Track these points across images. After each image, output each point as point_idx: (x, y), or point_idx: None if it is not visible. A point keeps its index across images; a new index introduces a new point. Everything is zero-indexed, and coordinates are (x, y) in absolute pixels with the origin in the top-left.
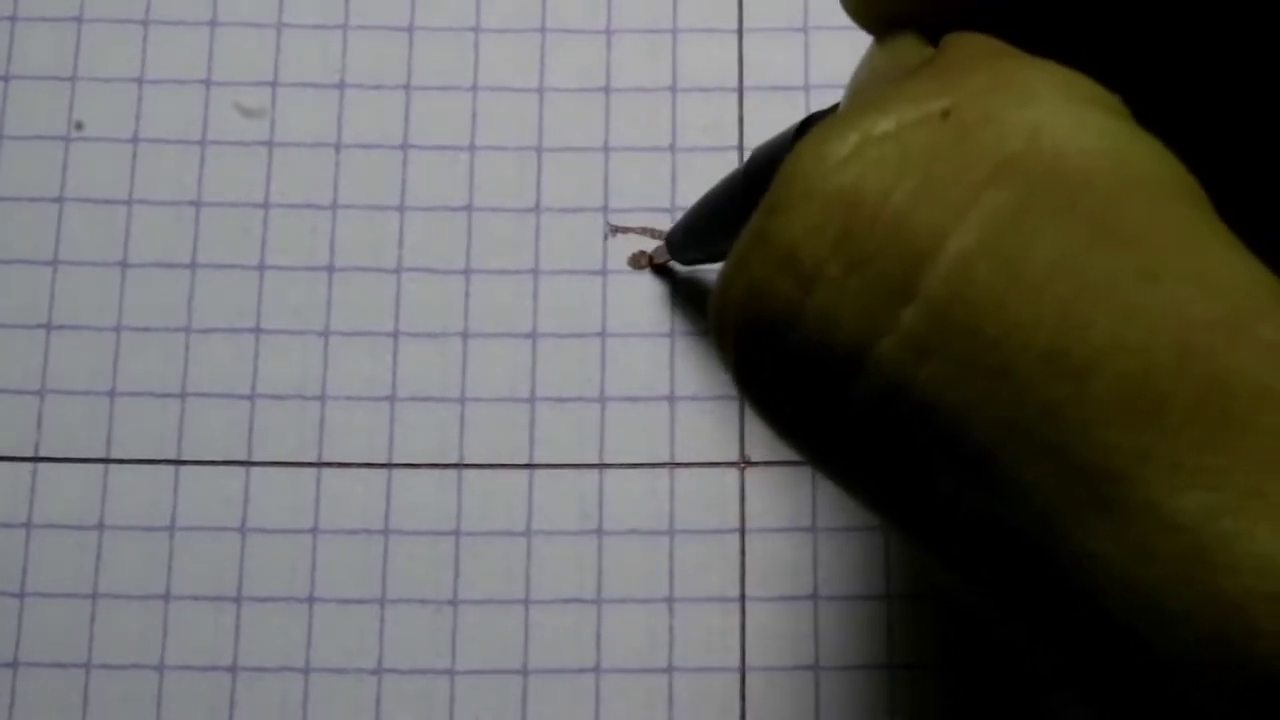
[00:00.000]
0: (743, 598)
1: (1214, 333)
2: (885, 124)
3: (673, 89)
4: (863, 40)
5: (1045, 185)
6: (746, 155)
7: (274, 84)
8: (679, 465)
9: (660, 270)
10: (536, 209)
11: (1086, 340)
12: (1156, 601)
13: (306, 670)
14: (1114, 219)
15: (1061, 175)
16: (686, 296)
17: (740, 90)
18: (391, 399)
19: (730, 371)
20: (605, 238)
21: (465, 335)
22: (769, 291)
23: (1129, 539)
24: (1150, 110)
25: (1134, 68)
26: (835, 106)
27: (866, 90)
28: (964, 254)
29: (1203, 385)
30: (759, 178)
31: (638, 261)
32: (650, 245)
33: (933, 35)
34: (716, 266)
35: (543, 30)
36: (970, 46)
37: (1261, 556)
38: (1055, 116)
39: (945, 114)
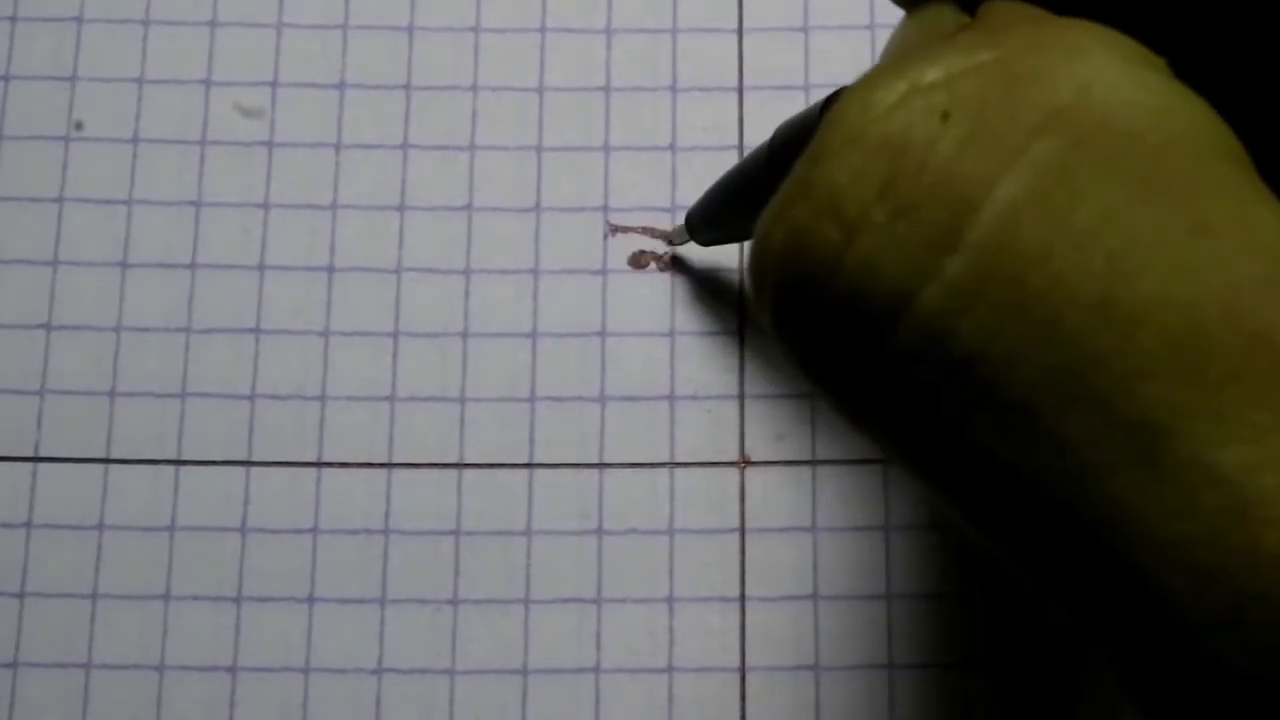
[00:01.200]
0: (743, 597)
1: (1260, 289)
2: (934, 73)
3: (673, 89)
4: (862, 41)
5: (1094, 138)
6: (746, 155)
7: (274, 84)
8: (679, 465)
9: (674, 261)
10: (536, 209)
11: (1134, 292)
12: (1193, 557)
13: (306, 670)
14: (1162, 174)
15: (1110, 129)
16: (704, 290)
17: (740, 90)
18: (391, 399)
19: (767, 319)
20: (605, 237)
21: (465, 335)
22: (811, 238)
23: (1168, 493)
24: (1190, 77)
25: (1172, 36)
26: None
27: (903, 53)
28: (1012, 203)
29: (1248, 341)
30: (783, 155)
31: (638, 261)
32: (650, 245)
33: (966, 7)
34: (727, 255)
35: (542, 30)
36: (1012, 11)
37: None
38: (1104, 72)
39: (995, 64)
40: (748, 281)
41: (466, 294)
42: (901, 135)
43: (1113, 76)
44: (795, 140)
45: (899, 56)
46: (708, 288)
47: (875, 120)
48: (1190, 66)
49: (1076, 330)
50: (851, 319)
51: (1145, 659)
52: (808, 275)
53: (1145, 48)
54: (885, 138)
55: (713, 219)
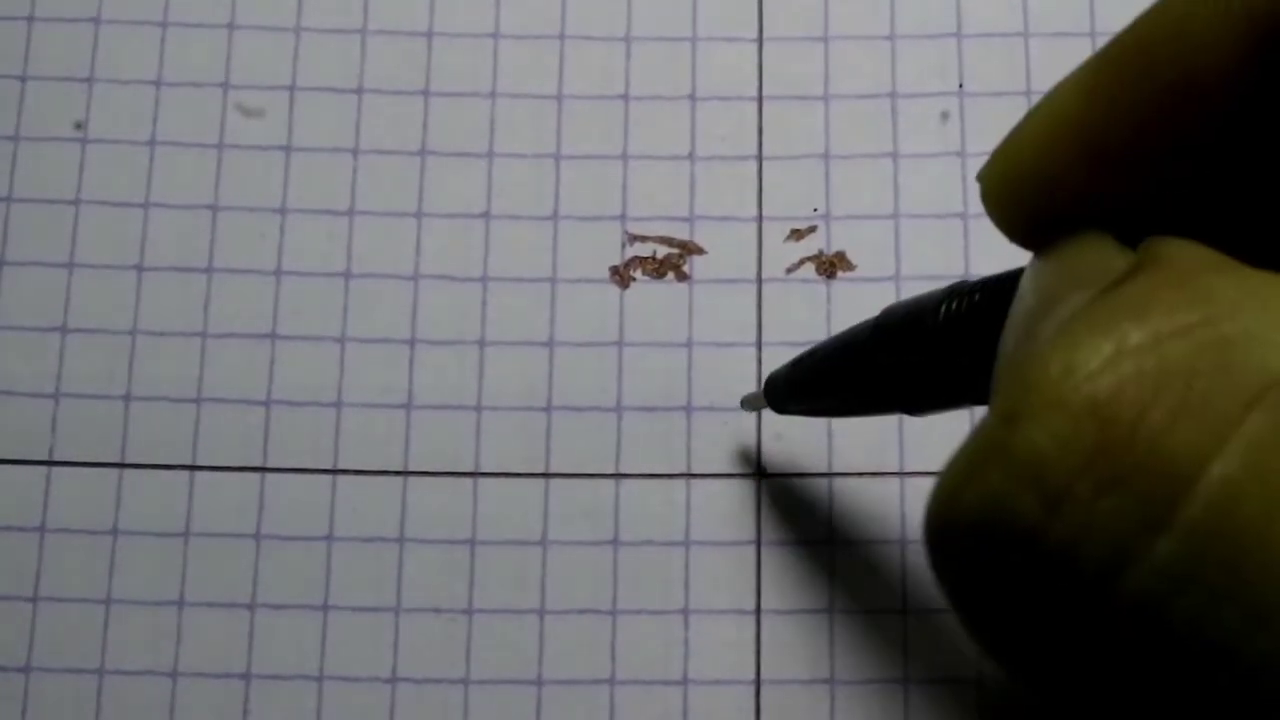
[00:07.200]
0: (758, 610)
1: None
2: (1139, 335)
3: (692, 97)
4: (880, 51)
5: None
6: (766, 164)
7: (291, 88)
8: (695, 476)
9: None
10: (554, 216)
11: None
12: None
13: (320, 678)
14: None
15: None
16: (721, 305)
17: (760, 99)
18: (408, 406)
19: (945, 587)
20: (623, 246)
21: (482, 343)
22: (1009, 507)
23: None
24: None
25: None
26: (955, 291)
27: (1055, 302)
28: (1227, 481)
29: None
30: (892, 339)
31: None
32: (665, 251)
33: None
34: (744, 269)
35: (561, 37)
36: (1188, 254)
37: None
38: None
39: (1203, 326)
40: (924, 542)
41: (484, 302)
42: (1110, 402)
43: None
44: (908, 327)
45: (1080, 310)
46: (725, 303)
47: (1081, 384)
48: None
49: None
50: (1047, 599)
51: None
52: (1001, 550)
53: None
54: (1093, 404)
55: (800, 392)
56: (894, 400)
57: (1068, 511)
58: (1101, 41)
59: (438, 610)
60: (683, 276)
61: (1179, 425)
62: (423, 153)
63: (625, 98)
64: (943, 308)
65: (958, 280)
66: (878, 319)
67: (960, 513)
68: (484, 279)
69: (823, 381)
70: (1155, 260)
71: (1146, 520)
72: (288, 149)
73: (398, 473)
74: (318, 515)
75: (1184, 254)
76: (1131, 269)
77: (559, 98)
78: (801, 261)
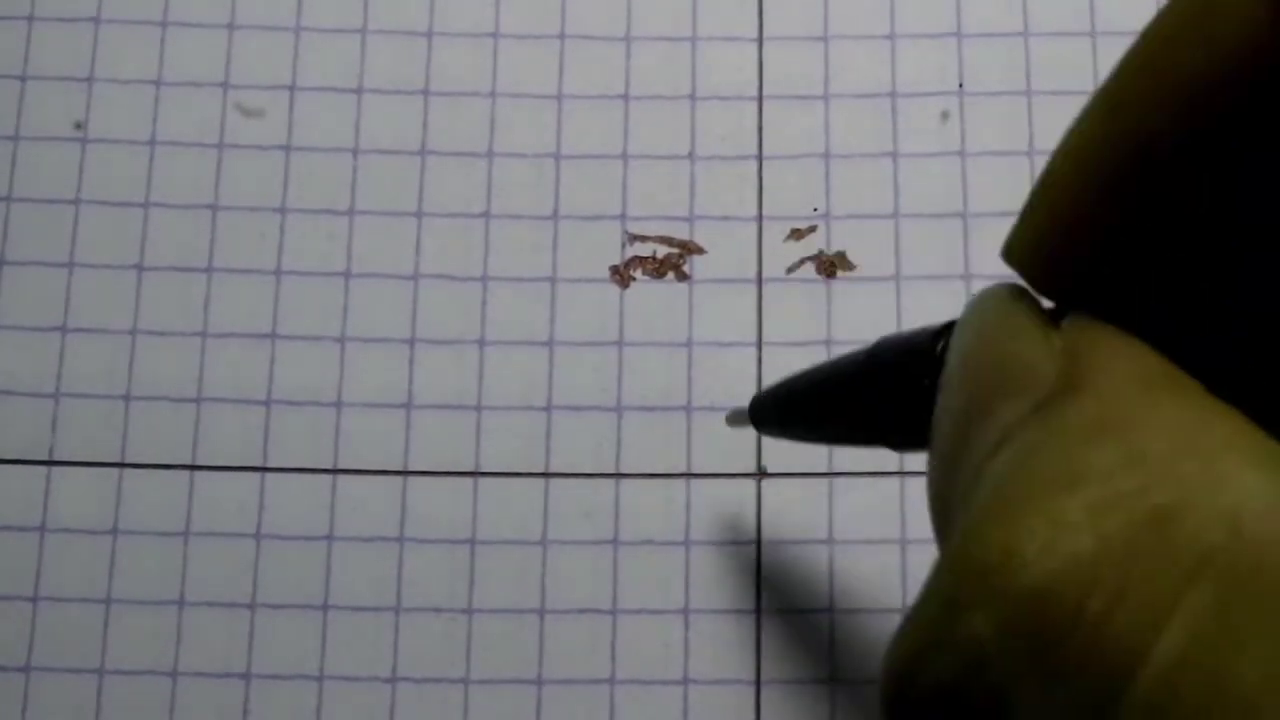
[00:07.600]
0: (758, 610)
1: None
2: (1074, 510)
3: (692, 97)
4: (880, 51)
5: (1250, 583)
6: (766, 164)
7: (292, 88)
8: (696, 476)
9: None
10: (554, 216)
11: None
12: None
13: (320, 678)
14: None
15: (1266, 572)
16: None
17: (760, 99)
18: (408, 406)
19: None
20: (623, 246)
21: (482, 343)
22: (958, 699)
23: None
24: None
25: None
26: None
27: (984, 413)
28: (1167, 668)
29: None
30: (885, 371)
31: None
32: (665, 251)
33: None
34: (742, 268)
35: (562, 37)
36: (1119, 372)
37: None
38: (1251, 500)
39: (1137, 495)
40: (880, 706)
41: (484, 301)
42: (1049, 590)
43: (1260, 505)
44: (901, 362)
45: (1012, 454)
46: (725, 303)
47: (1019, 570)
48: None
49: None
50: None
51: None
52: None
53: (1270, 438)
54: (1032, 592)
55: (784, 417)
56: (882, 433)
57: (1017, 703)
58: (1102, 41)
59: (438, 610)
60: (683, 276)
61: (1119, 611)
62: (423, 153)
63: (625, 98)
64: (940, 343)
65: (942, 326)
66: (871, 349)
67: (915, 692)
68: (484, 279)
69: (806, 410)
70: (1081, 382)
71: (1092, 711)
72: (288, 149)
73: (398, 473)
74: (318, 515)
75: (1112, 374)
76: (1059, 386)
77: (559, 98)
78: (801, 261)
